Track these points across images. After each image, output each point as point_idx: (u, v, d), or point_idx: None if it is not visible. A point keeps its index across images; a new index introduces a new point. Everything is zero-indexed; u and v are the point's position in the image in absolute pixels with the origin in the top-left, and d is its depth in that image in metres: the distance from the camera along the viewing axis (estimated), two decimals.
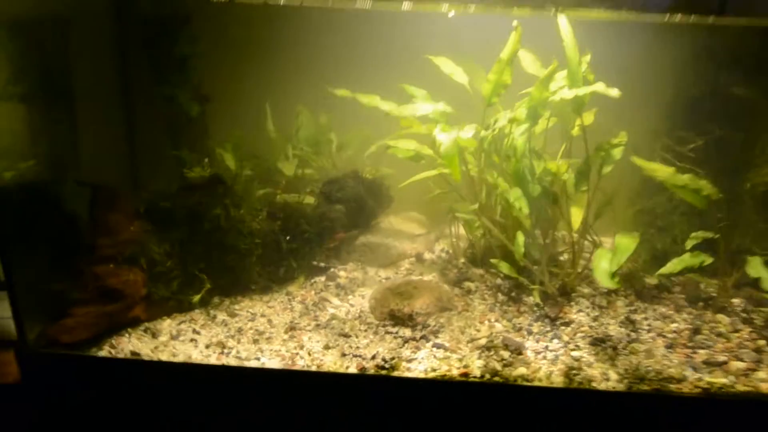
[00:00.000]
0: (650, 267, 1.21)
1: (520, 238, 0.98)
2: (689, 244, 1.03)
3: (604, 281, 0.91)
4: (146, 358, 0.97)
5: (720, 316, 1.08)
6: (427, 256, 1.31)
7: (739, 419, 0.91)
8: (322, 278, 1.20)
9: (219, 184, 1.11)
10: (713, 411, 0.91)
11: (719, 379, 0.94)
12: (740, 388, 0.92)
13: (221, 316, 1.11)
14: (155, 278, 1.07)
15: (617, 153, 1.09)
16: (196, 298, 1.09)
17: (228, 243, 1.10)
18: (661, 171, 1.02)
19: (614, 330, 1.05)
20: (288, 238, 1.13)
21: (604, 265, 0.91)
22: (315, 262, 1.18)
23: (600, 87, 0.95)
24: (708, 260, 1.01)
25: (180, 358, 0.98)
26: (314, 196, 1.23)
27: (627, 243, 0.94)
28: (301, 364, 0.98)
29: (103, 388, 0.98)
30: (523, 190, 1.03)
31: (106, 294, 0.99)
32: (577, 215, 1.03)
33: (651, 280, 1.19)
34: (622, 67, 1.12)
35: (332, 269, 1.22)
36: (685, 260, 1.00)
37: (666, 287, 1.16)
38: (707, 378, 0.94)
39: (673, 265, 1.01)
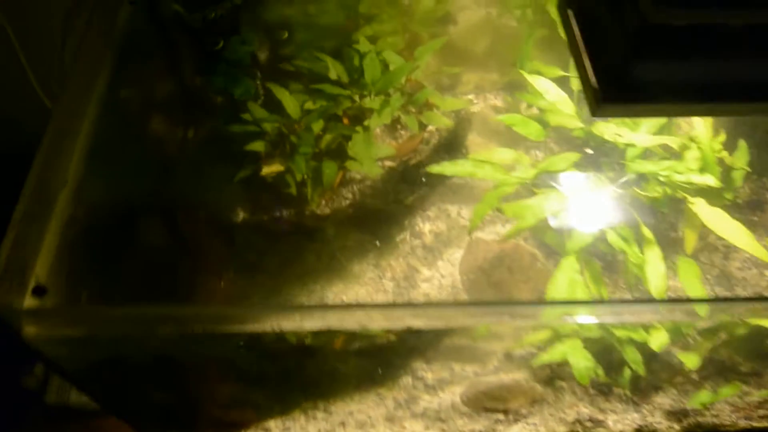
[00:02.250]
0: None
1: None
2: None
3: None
4: None
5: None
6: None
7: None
8: (407, 235, 1.13)
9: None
10: None
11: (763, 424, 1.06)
12: None
13: None
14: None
15: None
16: None
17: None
18: None
19: (691, 407, 1.13)
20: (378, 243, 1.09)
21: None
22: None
23: None
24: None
25: None
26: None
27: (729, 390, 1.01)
28: None
29: None
30: None
31: None
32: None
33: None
34: None
35: (415, 227, 1.13)
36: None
37: (756, 373, 1.21)
38: (755, 424, 1.07)
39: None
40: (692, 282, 0.76)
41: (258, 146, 1.03)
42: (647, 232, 0.80)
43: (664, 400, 1.19)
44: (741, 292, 1.08)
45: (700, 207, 0.79)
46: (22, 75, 1.00)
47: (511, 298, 1.07)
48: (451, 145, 1.17)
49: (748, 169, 0.90)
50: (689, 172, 0.82)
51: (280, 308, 0.61)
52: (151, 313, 0.61)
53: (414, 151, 1.17)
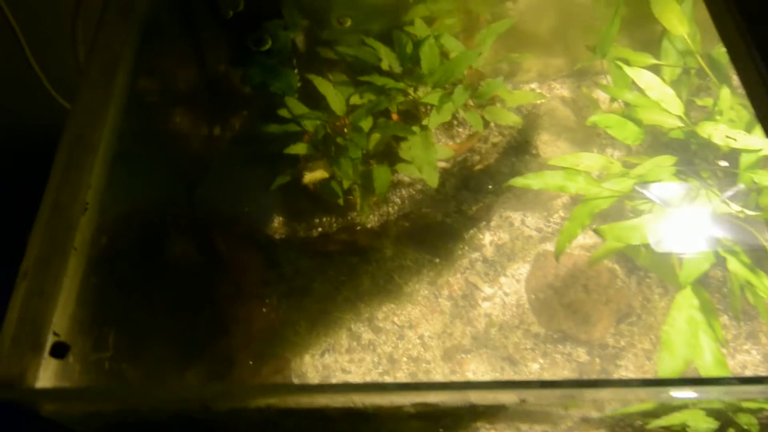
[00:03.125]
0: None
1: None
2: None
3: None
4: None
5: None
6: None
7: None
8: (465, 248, 1.00)
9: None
10: None
11: None
12: None
13: (367, 335, 0.95)
14: None
15: None
16: None
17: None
18: None
19: None
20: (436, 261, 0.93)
21: None
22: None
23: None
24: None
25: None
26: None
27: None
28: None
29: None
30: None
31: None
32: None
33: None
34: None
35: (474, 238, 0.99)
36: None
37: None
38: None
39: None
40: None
41: (299, 149, 0.90)
42: None
43: None
44: None
45: None
46: (29, 69, 0.87)
47: (588, 319, 0.95)
48: (516, 144, 1.03)
49: None
50: None
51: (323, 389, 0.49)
52: (178, 395, 0.49)
53: (470, 151, 1.04)
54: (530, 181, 0.72)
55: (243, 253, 0.82)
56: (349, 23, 0.94)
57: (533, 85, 1.13)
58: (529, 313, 1.00)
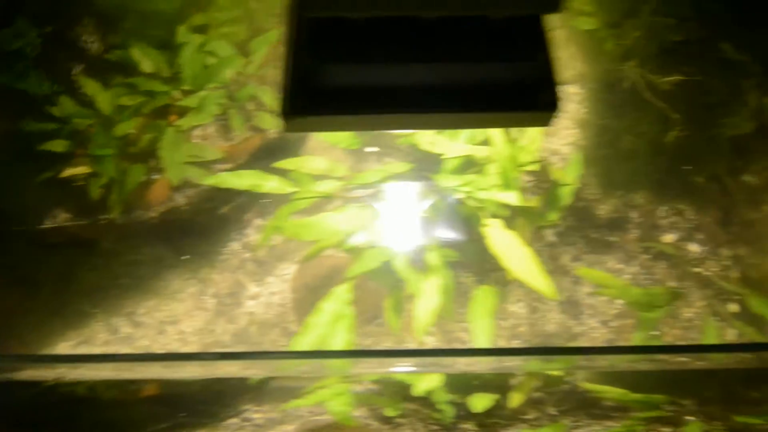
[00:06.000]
0: None
1: None
2: None
3: None
4: None
5: None
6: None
7: None
8: (238, 247, 0.99)
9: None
10: None
11: None
12: None
13: (126, 329, 0.96)
14: None
15: None
16: None
17: None
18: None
19: None
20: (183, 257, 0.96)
21: None
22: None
23: None
24: None
25: None
26: None
27: None
28: None
29: None
30: None
31: None
32: None
33: None
34: None
35: (246, 239, 0.99)
36: None
37: None
38: None
39: None
40: (481, 318, 0.67)
41: (56, 146, 0.94)
42: (433, 258, 0.70)
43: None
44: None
45: (493, 230, 0.68)
46: None
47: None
48: (291, 149, 1.07)
49: (577, 184, 0.79)
50: (493, 188, 0.72)
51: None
52: None
53: (251, 155, 1.08)
54: (222, 179, 0.76)
55: None
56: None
57: None
58: (290, 311, 1.03)
